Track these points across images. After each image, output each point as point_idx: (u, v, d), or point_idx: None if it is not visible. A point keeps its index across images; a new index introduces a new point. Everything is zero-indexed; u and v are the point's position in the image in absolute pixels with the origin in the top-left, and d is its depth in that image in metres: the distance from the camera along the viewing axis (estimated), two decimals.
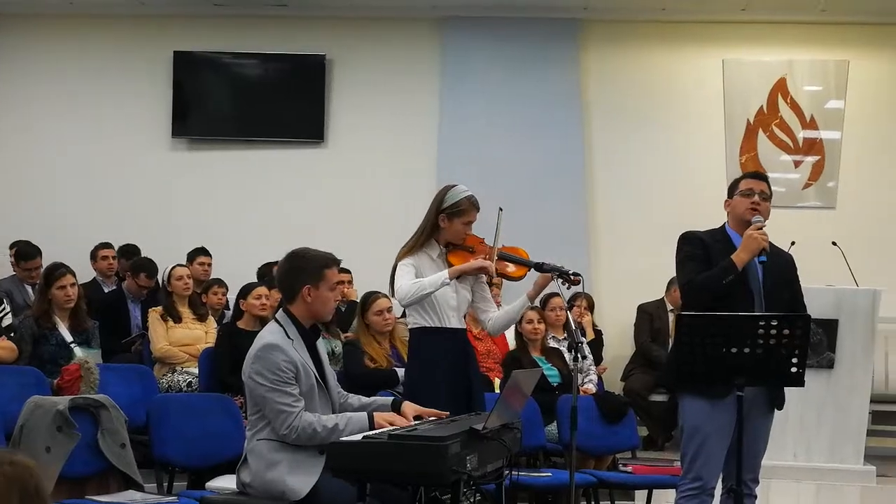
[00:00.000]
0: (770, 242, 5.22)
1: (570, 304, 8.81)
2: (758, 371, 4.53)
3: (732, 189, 5.26)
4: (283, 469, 4.47)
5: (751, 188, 5.17)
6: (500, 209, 5.51)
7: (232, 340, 7.34)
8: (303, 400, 4.51)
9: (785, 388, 5.05)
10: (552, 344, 8.11)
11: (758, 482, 5.13)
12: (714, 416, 4.93)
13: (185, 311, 8.18)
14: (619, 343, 10.17)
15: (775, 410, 5.13)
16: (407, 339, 6.04)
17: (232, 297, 8.38)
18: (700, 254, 5.09)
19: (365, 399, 4.89)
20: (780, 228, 9.07)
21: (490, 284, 5.51)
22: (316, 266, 4.67)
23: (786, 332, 4.47)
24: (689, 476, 5.02)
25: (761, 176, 5.33)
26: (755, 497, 5.13)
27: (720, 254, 5.04)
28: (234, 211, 10.88)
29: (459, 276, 5.38)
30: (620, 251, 10.54)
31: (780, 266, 5.15)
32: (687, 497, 5.02)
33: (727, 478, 5.05)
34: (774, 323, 4.50)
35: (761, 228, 5.03)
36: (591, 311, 9.62)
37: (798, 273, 5.29)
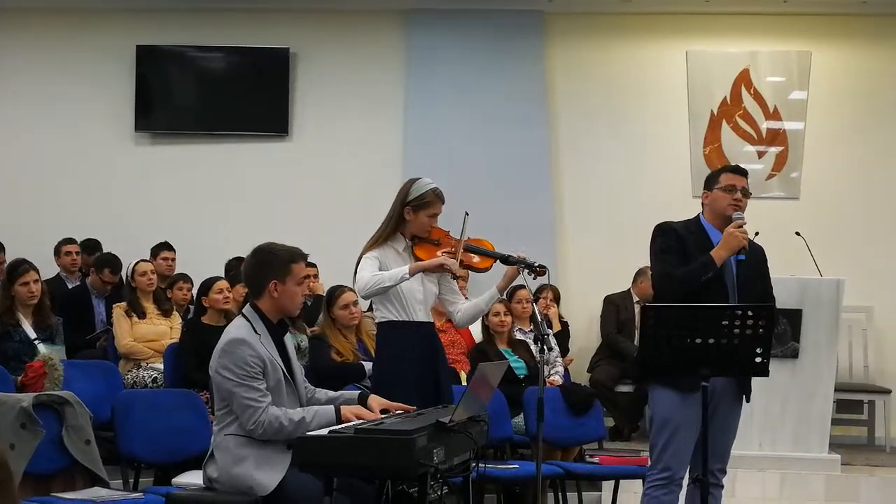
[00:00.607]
0: None
1: (536, 296, 8.82)
2: (723, 362, 4.56)
3: (711, 182, 5.25)
4: (250, 464, 4.45)
5: (733, 184, 5.17)
6: (467, 213, 5.50)
7: (197, 336, 7.31)
8: (269, 395, 4.50)
9: (750, 378, 5.09)
10: (519, 336, 8.12)
11: (725, 472, 5.17)
12: (684, 407, 4.96)
13: (150, 307, 8.13)
14: (586, 334, 10.21)
15: (746, 402, 5.16)
16: (373, 332, 6.03)
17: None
18: (675, 246, 5.11)
19: (332, 393, 4.89)
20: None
21: (455, 278, 5.50)
22: (283, 261, 4.66)
23: (750, 322, 4.50)
24: (658, 466, 5.06)
25: (742, 171, 5.30)
26: (722, 487, 5.16)
27: (695, 246, 5.06)
28: (198, 205, 10.82)
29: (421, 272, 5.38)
30: (586, 243, 10.56)
31: (753, 259, 5.18)
32: (655, 487, 5.05)
33: (694, 468, 5.08)
34: (739, 313, 4.52)
35: (742, 226, 5.04)
36: (558, 303, 9.64)
37: (768, 267, 5.32)
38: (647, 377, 5.24)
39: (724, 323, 4.50)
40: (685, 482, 5.10)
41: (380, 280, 5.22)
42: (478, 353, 7.70)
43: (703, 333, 4.50)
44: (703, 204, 5.30)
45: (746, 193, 5.19)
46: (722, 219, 5.16)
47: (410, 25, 10.82)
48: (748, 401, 5.17)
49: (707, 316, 4.53)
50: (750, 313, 4.52)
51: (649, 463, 5.22)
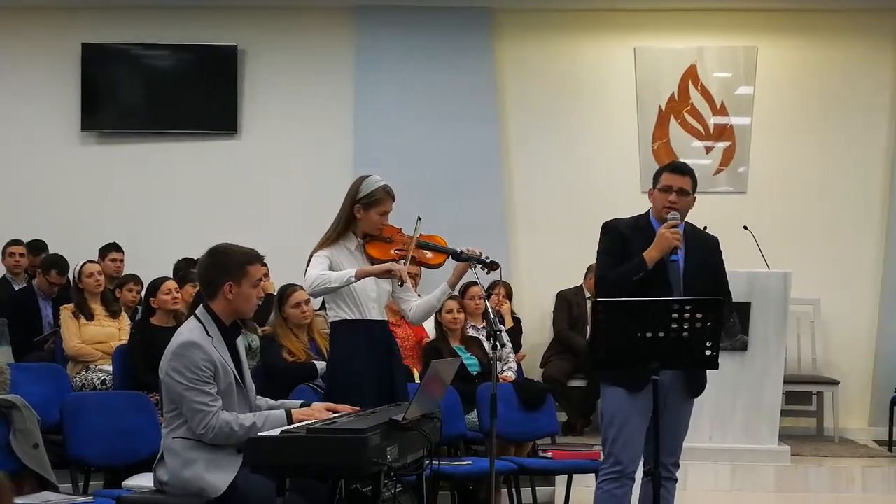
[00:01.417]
0: (693, 227, 5.27)
1: (489, 292, 8.83)
2: (673, 355, 4.58)
3: (654, 179, 5.26)
4: (200, 466, 4.42)
5: (669, 185, 5.15)
6: (419, 217, 5.50)
7: (146, 337, 7.25)
8: (220, 399, 4.47)
9: (703, 373, 5.13)
10: (471, 333, 8.13)
11: (678, 466, 5.20)
12: (632, 403, 4.99)
13: (98, 309, 8.06)
14: (538, 330, 10.23)
15: (696, 397, 5.19)
16: (326, 331, 6.02)
17: None
18: (617, 248, 5.12)
19: (272, 402, 4.85)
20: (692, 214, 9.18)
21: (402, 285, 5.48)
22: (238, 262, 4.61)
23: (699, 315, 4.52)
24: (609, 461, 5.09)
25: (683, 169, 5.24)
26: (675, 480, 5.20)
27: (640, 245, 5.06)
28: (146, 205, 10.73)
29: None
30: (538, 239, 10.59)
31: (701, 253, 5.19)
32: (608, 481, 5.08)
33: (647, 461, 5.12)
34: (688, 307, 4.55)
35: (675, 227, 5.04)
36: (510, 299, 9.66)
37: (723, 259, 5.32)
38: (599, 373, 5.27)
39: (673, 317, 4.52)
40: (639, 476, 5.14)
41: (327, 280, 5.21)
42: (431, 350, 7.70)
43: (653, 327, 4.52)
44: (650, 202, 5.32)
45: (684, 193, 5.14)
46: (659, 218, 5.18)
47: (359, 22, 10.78)
48: (698, 394, 5.20)
49: (655, 310, 4.55)
50: (699, 307, 4.54)
51: (601, 458, 5.24)
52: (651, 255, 5.00)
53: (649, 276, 4.99)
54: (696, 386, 5.15)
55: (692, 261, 5.12)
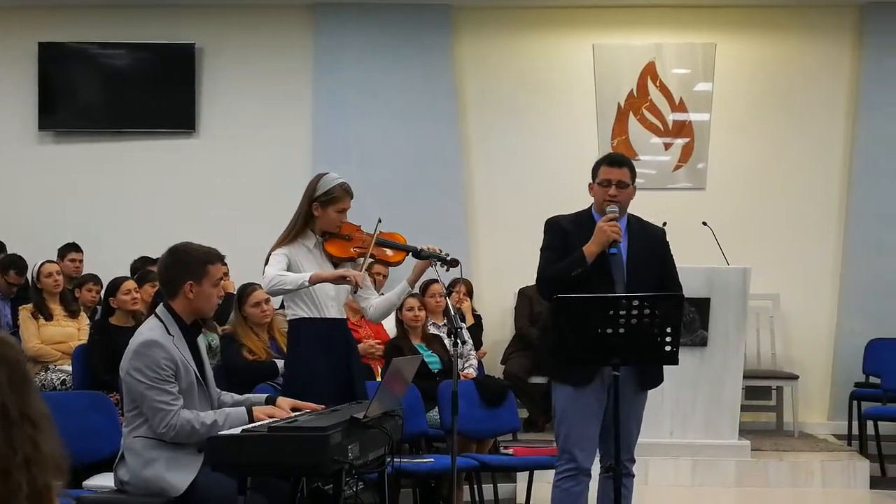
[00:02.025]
0: (638, 219, 5.27)
1: (450, 290, 8.85)
2: (633, 351, 4.59)
3: (593, 173, 5.25)
4: (160, 466, 4.40)
5: (608, 178, 5.15)
6: (380, 220, 5.50)
7: (105, 337, 7.20)
8: (181, 398, 4.45)
9: (658, 368, 5.15)
10: (432, 330, 8.13)
11: (634, 461, 5.22)
12: (580, 400, 5.02)
13: (57, 309, 8.00)
14: (499, 327, 10.25)
15: (648, 390, 5.22)
16: (286, 330, 6.00)
17: None
18: (558, 244, 5.13)
19: (238, 396, 4.84)
20: (651, 210, 9.23)
21: (355, 292, 5.47)
22: (199, 262, 4.59)
23: (658, 311, 4.53)
24: (563, 458, 5.13)
25: (620, 161, 5.23)
26: (633, 476, 5.22)
27: (582, 240, 5.05)
28: (105, 205, 10.65)
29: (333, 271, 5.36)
30: (499, 236, 10.60)
31: (646, 245, 5.19)
32: (565, 479, 5.10)
33: (605, 457, 5.15)
34: (647, 303, 4.56)
35: (614, 220, 5.03)
36: (471, 297, 9.67)
37: (670, 249, 5.33)
38: (550, 371, 5.29)
39: (633, 312, 4.53)
40: (596, 473, 5.17)
41: (282, 281, 5.20)
42: (392, 348, 7.70)
43: (613, 323, 4.52)
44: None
45: (623, 185, 5.14)
46: (601, 212, 5.17)
47: (317, 19, 10.76)
48: (652, 387, 5.22)
49: (616, 306, 4.55)
50: (658, 302, 4.56)
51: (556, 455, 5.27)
52: (590, 249, 5.00)
53: (591, 272, 4.98)
54: (648, 379, 5.17)
55: (636, 253, 5.11)
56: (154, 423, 4.40)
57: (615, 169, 5.18)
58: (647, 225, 5.32)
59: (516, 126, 10.75)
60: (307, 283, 5.20)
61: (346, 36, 10.70)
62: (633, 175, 5.22)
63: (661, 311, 4.54)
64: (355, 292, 5.47)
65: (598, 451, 5.15)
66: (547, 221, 5.27)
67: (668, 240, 5.36)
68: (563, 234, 5.15)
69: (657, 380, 5.23)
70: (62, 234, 9.81)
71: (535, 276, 9.76)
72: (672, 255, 5.33)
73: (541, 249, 5.23)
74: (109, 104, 10.78)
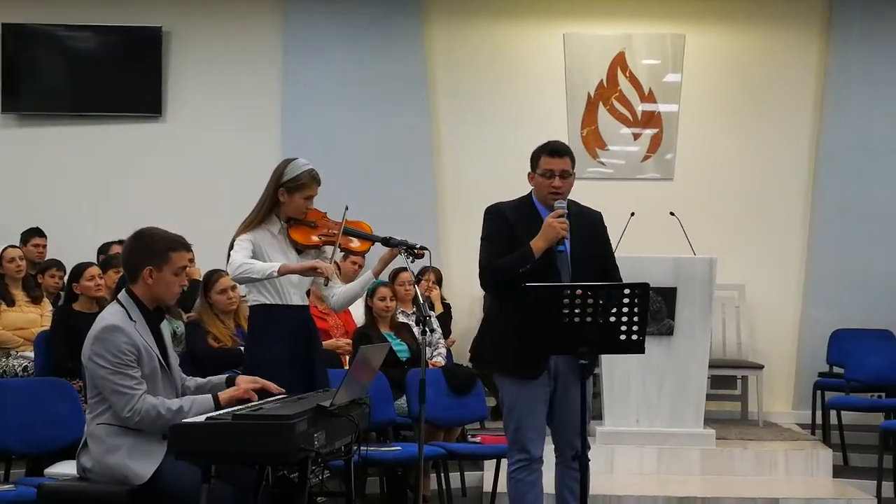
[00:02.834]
0: (576, 203, 5.21)
1: (419, 278, 8.83)
2: (599, 340, 4.58)
3: (533, 162, 5.17)
4: (124, 453, 4.35)
5: (550, 168, 5.08)
6: (347, 207, 5.46)
7: (68, 323, 7.12)
8: (144, 383, 4.40)
9: (622, 355, 5.14)
10: (401, 319, 8.11)
11: (589, 447, 5.22)
12: (527, 391, 5.04)
13: (19, 294, 7.93)
14: (468, 315, 10.23)
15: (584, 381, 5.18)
16: None
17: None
18: (502, 233, 5.07)
19: (200, 380, 4.79)
20: (620, 200, 9.31)
21: (326, 284, 5.44)
22: (161, 248, 4.54)
23: (625, 300, 4.52)
24: (515, 448, 5.15)
25: (561, 151, 5.14)
26: (589, 461, 5.21)
27: (526, 228, 5.02)
28: (69, 189, 10.56)
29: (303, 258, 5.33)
30: (469, 224, 10.39)
31: (587, 231, 5.15)
32: (518, 470, 5.13)
33: (561, 449, 5.14)
34: (614, 292, 4.55)
35: (562, 216, 4.99)
36: (440, 285, 9.66)
37: (608, 233, 5.28)
38: (491, 365, 5.27)
39: (600, 302, 4.51)
40: (550, 462, 5.18)
41: (250, 269, 5.15)
42: (360, 336, 7.67)
43: (581, 312, 4.50)
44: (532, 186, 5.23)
45: (566, 175, 5.08)
46: (544, 203, 5.13)
47: (287, 4, 10.69)
48: (584, 379, 5.16)
49: (583, 295, 4.52)
50: (625, 291, 4.55)
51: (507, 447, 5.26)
52: (538, 245, 4.95)
53: (537, 267, 4.95)
54: (587, 369, 5.14)
55: (578, 241, 5.07)
56: (118, 407, 4.35)
57: (557, 159, 5.09)
58: (585, 209, 5.25)
59: (486, 114, 10.73)
60: (275, 274, 5.15)
61: (315, 22, 10.63)
62: (574, 162, 5.14)
63: (629, 299, 4.53)
64: (326, 284, 5.43)
65: (545, 440, 5.15)
66: (488, 210, 5.19)
67: (605, 224, 5.32)
68: (506, 224, 5.08)
69: (593, 367, 5.18)
70: (25, 218, 9.72)
71: None
72: (610, 240, 5.32)
73: (482, 238, 5.14)
74: (75, 87, 10.68)
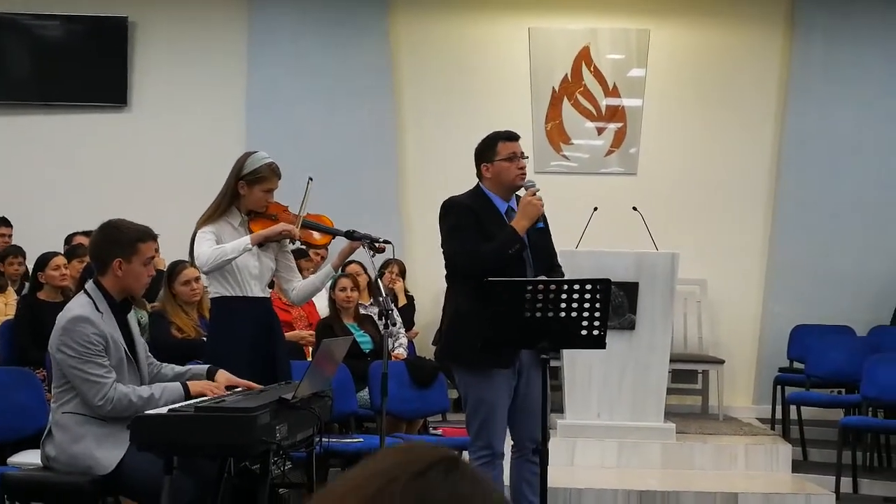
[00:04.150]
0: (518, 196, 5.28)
1: (382, 270, 8.86)
2: (560, 335, 4.63)
3: (488, 153, 5.24)
4: (89, 442, 4.38)
5: (514, 152, 5.20)
6: (310, 178, 5.48)
7: (33, 312, 7.12)
8: (114, 372, 4.42)
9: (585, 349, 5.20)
10: (364, 311, 8.14)
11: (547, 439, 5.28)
12: (494, 386, 5.09)
13: None
14: (432, 308, 10.25)
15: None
16: None
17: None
18: (469, 223, 5.10)
19: (179, 368, 4.82)
20: (583, 194, 9.34)
21: (293, 242, 5.49)
22: (129, 239, 4.56)
23: (587, 295, 4.57)
24: (478, 443, 5.19)
25: (515, 136, 5.31)
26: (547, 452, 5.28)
27: (490, 218, 5.09)
28: (34, 178, 10.51)
29: (263, 243, 5.34)
30: (432, 217, 10.48)
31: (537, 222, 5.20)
32: (482, 465, 5.15)
33: (522, 442, 5.19)
34: (577, 287, 4.60)
35: (536, 193, 5.08)
36: (403, 277, 9.68)
37: (548, 223, 5.30)
38: (453, 359, 5.30)
39: (562, 297, 4.55)
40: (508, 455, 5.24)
41: (222, 253, 5.17)
42: (323, 328, 7.69)
43: (542, 307, 4.55)
44: (482, 176, 5.29)
45: (525, 157, 5.24)
46: (509, 189, 5.19)
47: None
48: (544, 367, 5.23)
49: (545, 290, 4.58)
50: (586, 286, 4.60)
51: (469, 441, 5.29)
52: (521, 224, 5.02)
53: (522, 249, 5.01)
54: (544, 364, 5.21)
55: (532, 231, 5.13)
56: (89, 396, 4.36)
57: (514, 143, 5.25)
58: None
59: (451, 107, 10.76)
60: (250, 246, 5.18)
61: (281, 13, 10.63)
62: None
63: (590, 294, 4.58)
64: (293, 243, 5.46)
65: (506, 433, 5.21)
66: (449, 203, 5.22)
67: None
68: (471, 213, 5.12)
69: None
70: None
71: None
72: (549, 232, 5.36)
73: (451, 229, 5.15)
74: (40, 76, 10.64)
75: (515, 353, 5.04)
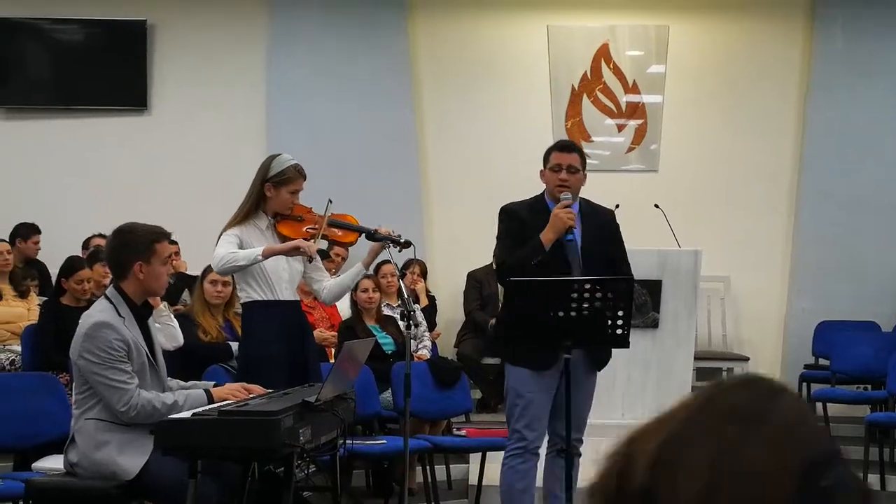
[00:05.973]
0: (588, 202, 5.32)
1: (403, 270, 8.84)
2: (585, 334, 4.63)
3: (545, 159, 5.31)
4: (112, 448, 4.37)
5: (558, 163, 5.21)
6: (330, 201, 5.50)
7: (56, 317, 7.12)
8: (136, 377, 4.42)
9: (606, 349, 5.21)
10: (386, 312, 8.12)
11: (582, 441, 5.29)
12: (537, 381, 5.09)
13: (6, 288, 7.92)
14: (453, 308, 10.25)
15: (597, 371, 5.28)
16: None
17: (54, 271, 8.12)
18: (515, 233, 5.15)
19: (183, 383, 4.82)
20: (604, 191, 9.28)
21: (311, 261, 5.47)
22: (145, 241, 4.56)
23: (609, 294, 4.57)
24: (514, 437, 5.21)
25: (570, 147, 5.35)
26: (580, 455, 5.29)
27: (538, 227, 5.09)
28: (54, 182, 10.52)
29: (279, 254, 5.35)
30: (453, 217, 10.60)
31: (597, 229, 5.24)
32: (513, 457, 5.20)
33: (554, 438, 5.21)
34: (599, 286, 4.59)
35: (568, 206, 5.08)
36: (425, 278, 9.67)
37: (620, 231, 5.37)
38: (505, 354, 5.34)
39: (585, 296, 4.56)
40: (543, 451, 5.24)
41: (234, 258, 5.18)
42: (346, 329, 7.68)
43: (565, 306, 4.55)
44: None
45: (576, 170, 5.21)
46: (555, 198, 5.22)
47: None
48: (600, 368, 5.28)
49: (568, 289, 4.58)
50: (609, 285, 4.59)
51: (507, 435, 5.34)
52: (547, 236, 5.03)
53: (548, 259, 5.02)
54: (599, 361, 5.24)
55: (589, 238, 5.17)
56: (112, 402, 4.36)
57: (566, 154, 5.24)
58: (597, 207, 5.38)
59: (471, 106, 10.74)
60: (260, 257, 5.18)
61: (300, 15, 10.62)
62: (584, 161, 5.29)
63: (613, 293, 4.58)
64: (310, 261, 5.46)
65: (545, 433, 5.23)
66: (502, 209, 5.30)
67: (617, 221, 5.41)
68: (519, 222, 5.18)
69: (607, 359, 5.29)
70: (11, 212, 9.69)
71: (486, 258, 9.83)
72: (622, 237, 5.39)
73: (497, 238, 5.26)
74: (60, 80, 10.66)
75: (556, 354, 5.03)
